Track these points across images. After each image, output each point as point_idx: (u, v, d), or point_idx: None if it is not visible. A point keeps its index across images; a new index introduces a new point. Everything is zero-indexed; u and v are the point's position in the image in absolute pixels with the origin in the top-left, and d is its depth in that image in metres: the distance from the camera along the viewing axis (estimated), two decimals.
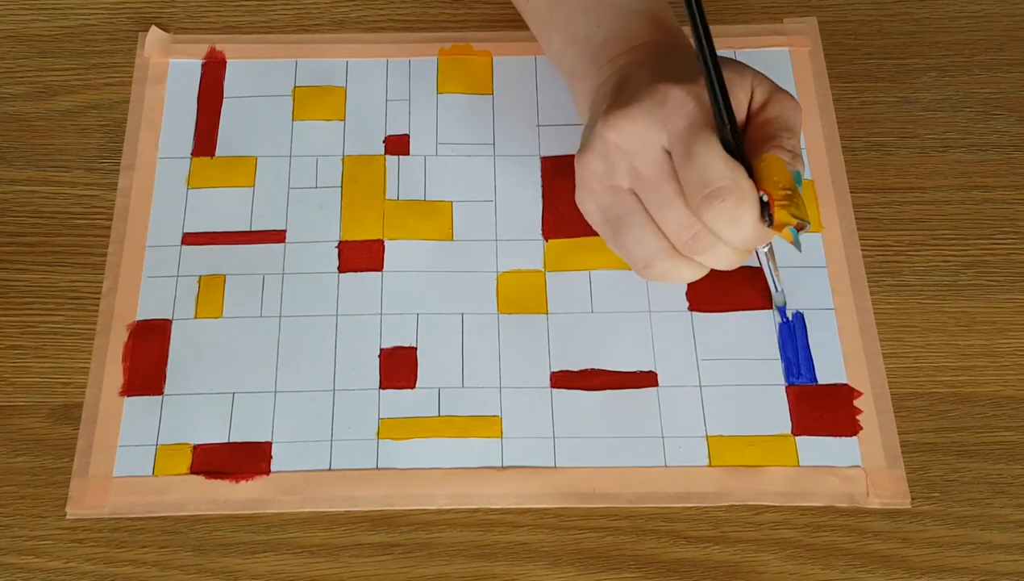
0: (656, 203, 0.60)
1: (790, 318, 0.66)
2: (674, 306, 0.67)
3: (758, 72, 0.61)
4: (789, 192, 0.57)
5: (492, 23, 0.76)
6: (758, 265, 0.65)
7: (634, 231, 0.61)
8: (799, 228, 0.57)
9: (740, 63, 0.61)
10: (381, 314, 0.66)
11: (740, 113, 0.60)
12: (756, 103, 0.61)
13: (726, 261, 0.61)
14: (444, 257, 0.68)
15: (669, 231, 0.60)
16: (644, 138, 0.59)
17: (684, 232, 0.59)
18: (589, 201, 0.63)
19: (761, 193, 0.58)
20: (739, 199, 0.57)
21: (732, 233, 0.58)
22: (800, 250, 0.59)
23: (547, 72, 0.74)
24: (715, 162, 0.57)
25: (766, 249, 0.63)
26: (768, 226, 0.58)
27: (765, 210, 0.58)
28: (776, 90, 0.61)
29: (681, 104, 0.59)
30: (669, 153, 0.59)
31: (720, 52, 0.58)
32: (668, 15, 0.67)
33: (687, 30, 0.60)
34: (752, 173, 0.58)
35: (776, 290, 0.65)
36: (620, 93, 0.61)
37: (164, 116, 0.73)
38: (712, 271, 0.63)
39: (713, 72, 0.57)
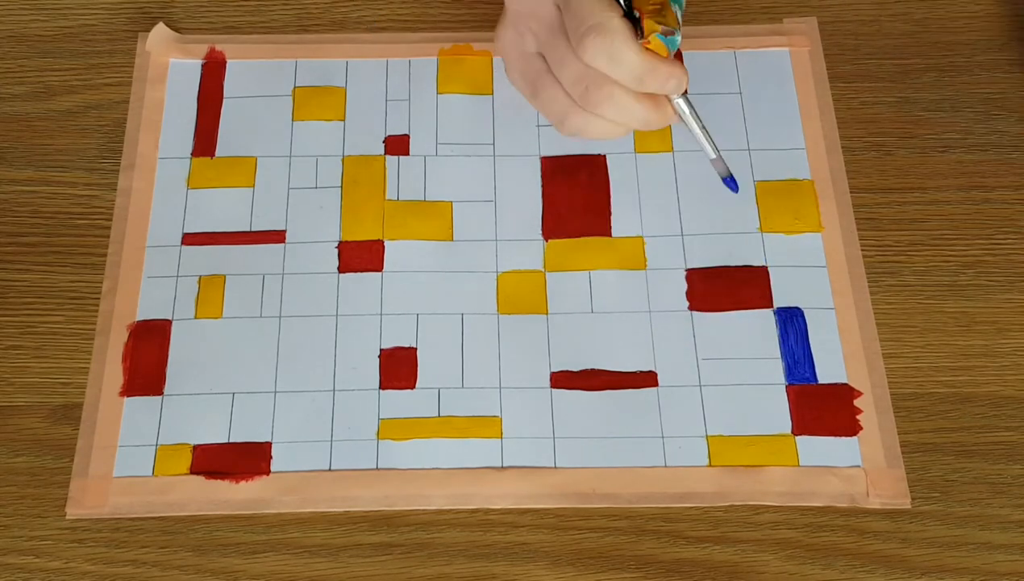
0: (554, 61, 0.63)
1: (739, 187, 0.67)
2: (674, 306, 0.66)
3: None
4: (658, 6, 0.60)
5: (492, 23, 0.76)
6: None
7: (546, 91, 0.64)
8: (666, 34, 0.59)
9: None
10: (381, 314, 0.66)
11: None
12: None
13: (628, 113, 0.63)
14: (444, 257, 0.68)
15: (567, 86, 0.63)
16: (538, 0, 0.63)
17: (578, 84, 0.62)
18: (513, 71, 0.67)
19: (636, 13, 0.60)
20: (610, 33, 0.60)
21: (614, 68, 0.60)
22: (673, 51, 0.60)
23: None
24: (588, 4, 0.60)
25: (681, 101, 0.63)
26: (640, 40, 0.60)
27: (639, 28, 0.60)
28: None
29: None
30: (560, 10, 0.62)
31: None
32: None
33: None
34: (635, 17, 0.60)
35: (713, 155, 0.65)
36: None
37: (164, 116, 0.73)
38: (710, 274, 0.63)
39: None
